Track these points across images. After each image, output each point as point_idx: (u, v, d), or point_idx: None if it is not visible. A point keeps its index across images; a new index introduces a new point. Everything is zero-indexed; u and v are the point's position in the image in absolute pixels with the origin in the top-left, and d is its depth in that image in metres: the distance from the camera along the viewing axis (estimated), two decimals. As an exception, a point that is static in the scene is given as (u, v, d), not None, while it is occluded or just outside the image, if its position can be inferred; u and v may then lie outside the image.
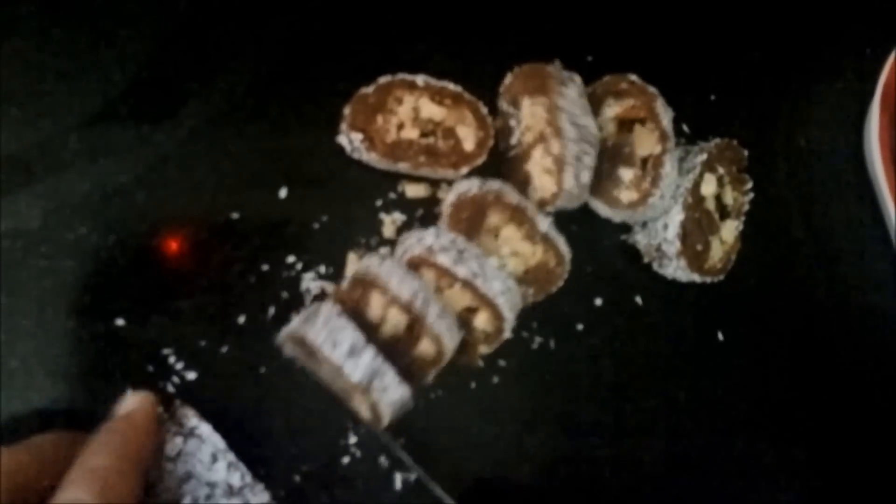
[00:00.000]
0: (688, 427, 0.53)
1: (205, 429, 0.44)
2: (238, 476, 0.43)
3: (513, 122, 0.53)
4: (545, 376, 0.52)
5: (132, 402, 0.41)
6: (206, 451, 0.43)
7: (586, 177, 0.49)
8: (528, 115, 0.51)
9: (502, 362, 0.51)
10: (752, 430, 0.54)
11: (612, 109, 0.52)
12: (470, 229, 0.49)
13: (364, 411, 0.46)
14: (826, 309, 0.56)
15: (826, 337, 0.56)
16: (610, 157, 0.52)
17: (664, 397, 0.53)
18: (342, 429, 0.49)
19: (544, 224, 0.50)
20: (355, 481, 0.48)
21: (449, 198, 0.50)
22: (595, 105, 0.52)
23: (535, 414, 0.51)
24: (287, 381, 0.48)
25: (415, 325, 0.45)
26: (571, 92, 0.49)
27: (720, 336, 0.55)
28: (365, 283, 0.46)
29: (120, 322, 0.48)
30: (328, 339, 0.43)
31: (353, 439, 0.49)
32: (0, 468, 0.35)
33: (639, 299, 0.54)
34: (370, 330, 0.46)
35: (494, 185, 0.50)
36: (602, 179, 0.52)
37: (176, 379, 0.47)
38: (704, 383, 0.54)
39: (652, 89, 0.51)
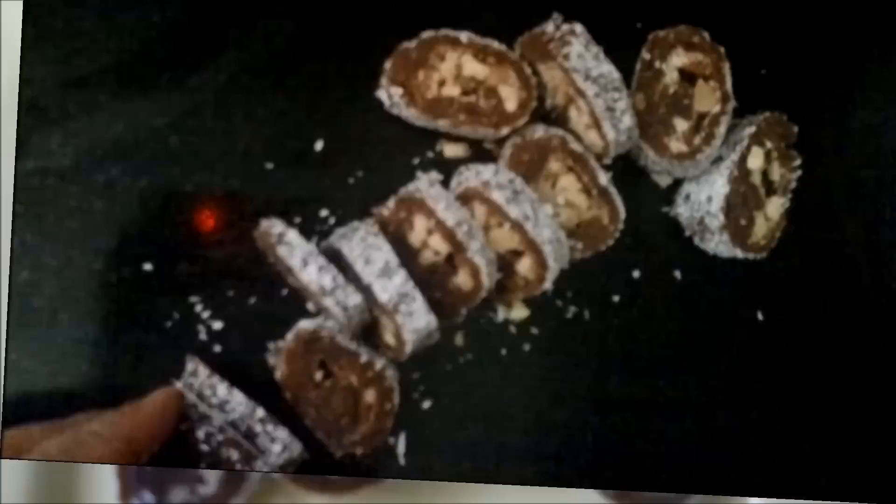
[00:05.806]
0: (720, 405, 0.52)
1: (292, 235, 0.43)
2: (329, 278, 0.42)
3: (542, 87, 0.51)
4: (578, 347, 0.50)
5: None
6: (298, 256, 0.42)
7: (627, 120, 0.48)
8: (549, 80, 0.50)
9: (534, 330, 0.50)
10: (787, 412, 0.52)
11: (680, 59, 0.51)
12: (529, 172, 0.48)
13: (388, 337, 0.45)
14: (870, 293, 0.54)
15: (868, 321, 0.54)
16: (668, 104, 0.51)
17: (698, 374, 0.52)
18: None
19: (604, 178, 0.49)
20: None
21: (512, 139, 0.49)
22: (663, 50, 0.51)
23: (565, 384, 0.50)
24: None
25: (455, 256, 0.44)
26: (576, 48, 0.47)
27: (759, 315, 0.53)
28: (411, 205, 0.45)
29: (148, 267, 0.47)
30: (362, 255, 0.43)
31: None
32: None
33: (678, 273, 0.52)
34: (409, 254, 0.45)
35: (559, 131, 0.49)
36: (654, 124, 0.51)
37: (202, 328, 0.47)
38: (740, 362, 0.52)
39: (722, 49, 0.50)
